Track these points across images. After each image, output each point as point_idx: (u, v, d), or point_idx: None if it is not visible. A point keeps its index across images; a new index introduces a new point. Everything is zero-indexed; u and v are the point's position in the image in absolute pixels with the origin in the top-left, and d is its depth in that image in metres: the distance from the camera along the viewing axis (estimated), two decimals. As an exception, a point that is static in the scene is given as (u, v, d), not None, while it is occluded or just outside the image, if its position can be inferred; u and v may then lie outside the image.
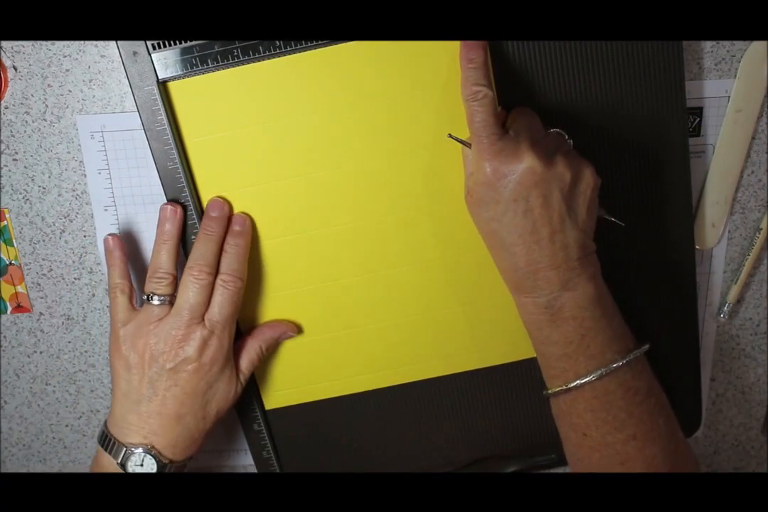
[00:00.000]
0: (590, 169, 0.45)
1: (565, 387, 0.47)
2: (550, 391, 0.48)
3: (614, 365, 0.46)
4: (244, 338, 0.52)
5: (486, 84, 0.45)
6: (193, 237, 0.50)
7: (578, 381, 0.46)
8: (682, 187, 0.53)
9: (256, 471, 0.58)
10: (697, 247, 0.57)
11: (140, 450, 0.48)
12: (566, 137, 0.47)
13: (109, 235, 0.51)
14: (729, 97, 0.54)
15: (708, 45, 0.52)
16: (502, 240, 0.45)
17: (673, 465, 0.47)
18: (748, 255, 0.57)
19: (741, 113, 0.54)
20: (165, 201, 0.49)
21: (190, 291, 0.48)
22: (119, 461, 0.48)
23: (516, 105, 0.50)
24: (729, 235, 0.58)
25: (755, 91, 0.53)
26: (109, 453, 0.49)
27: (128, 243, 0.53)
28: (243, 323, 0.53)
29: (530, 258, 0.45)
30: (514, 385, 0.55)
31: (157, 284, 0.48)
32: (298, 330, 0.53)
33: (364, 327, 0.54)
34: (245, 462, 0.60)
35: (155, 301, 0.48)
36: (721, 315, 0.59)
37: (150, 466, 0.48)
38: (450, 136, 0.47)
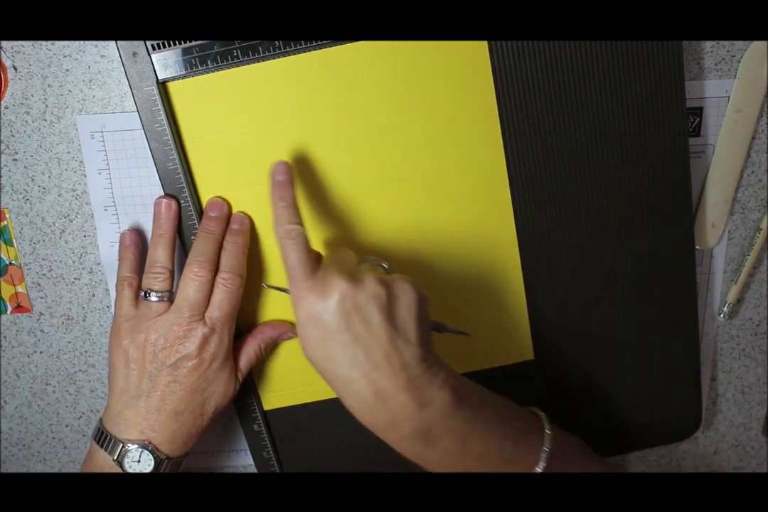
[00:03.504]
0: (408, 284, 0.44)
1: None
2: None
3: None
4: (244, 337, 0.52)
5: (298, 221, 0.45)
6: (192, 237, 0.50)
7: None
8: (682, 187, 0.53)
9: (256, 471, 0.58)
10: (697, 247, 0.57)
11: (137, 446, 0.48)
12: (381, 263, 0.48)
13: (127, 230, 0.52)
14: (729, 97, 0.54)
15: (708, 45, 0.52)
16: (343, 378, 0.43)
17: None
18: (748, 255, 0.57)
19: (741, 113, 0.54)
20: (164, 200, 0.50)
21: (191, 288, 0.48)
22: (116, 458, 0.48)
23: (515, 105, 0.50)
24: (729, 235, 0.58)
25: (755, 91, 0.53)
26: (105, 449, 0.48)
27: (128, 243, 0.54)
28: (243, 322, 0.53)
29: (374, 389, 0.43)
30: (513, 386, 0.55)
31: (153, 279, 0.48)
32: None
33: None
34: (245, 462, 0.60)
35: (153, 298, 0.48)
36: (721, 315, 0.59)
37: (147, 462, 0.48)
38: (266, 285, 0.49)
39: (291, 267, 0.44)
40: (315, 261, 0.45)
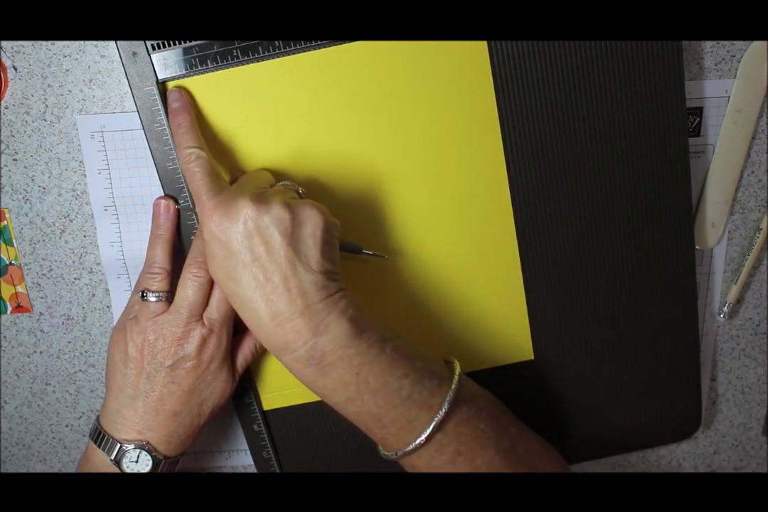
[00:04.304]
0: (315, 209, 0.43)
1: (397, 453, 0.45)
2: (387, 454, 0.46)
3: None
4: (240, 336, 0.52)
5: (196, 145, 0.45)
6: (191, 237, 0.50)
7: (412, 445, 0.44)
8: (682, 187, 0.53)
9: (256, 471, 0.58)
10: (697, 247, 0.57)
11: (135, 446, 0.48)
12: (296, 188, 0.47)
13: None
14: (729, 97, 0.54)
15: (708, 45, 0.52)
16: (243, 298, 0.43)
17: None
18: (748, 255, 0.57)
19: (741, 113, 0.54)
20: (164, 200, 0.50)
21: (189, 289, 0.48)
22: (113, 457, 0.48)
23: (515, 105, 0.50)
24: (729, 235, 0.58)
25: (755, 91, 0.53)
26: (102, 448, 0.48)
27: (128, 243, 0.53)
28: (240, 323, 0.52)
29: (272, 311, 0.43)
30: (512, 386, 0.55)
31: (151, 280, 0.48)
32: None
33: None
34: (245, 462, 0.60)
35: (151, 298, 0.48)
36: (721, 315, 0.59)
37: (145, 462, 0.48)
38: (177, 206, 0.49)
39: (196, 187, 0.44)
40: (221, 182, 0.45)
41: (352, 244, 0.49)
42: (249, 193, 0.43)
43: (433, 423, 0.44)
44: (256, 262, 0.43)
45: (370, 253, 0.50)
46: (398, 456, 0.45)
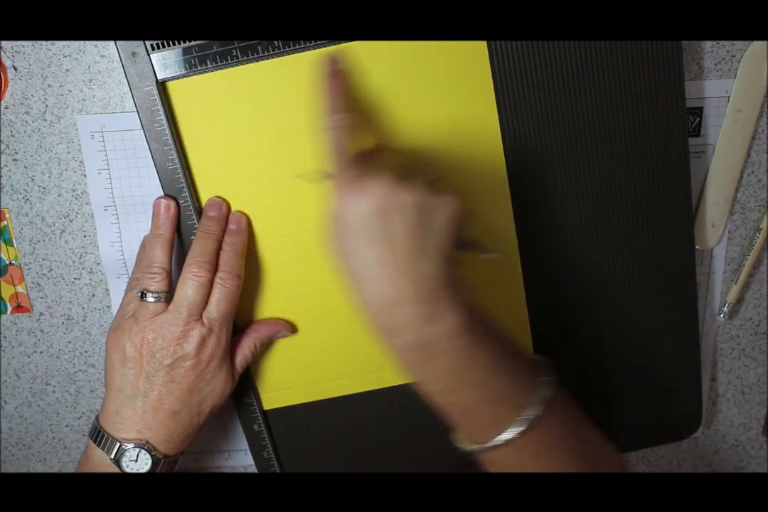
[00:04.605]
0: (450, 197, 0.42)
1: (482, 446, 0.44)
2: (467, 446, 0.45)
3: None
4: (239, 335, 0.52)
5: (349, 110, 0.44)
6: (192, 237, 0.50)
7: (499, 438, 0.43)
8: (682, 187, 0.53)
9: (256, 471, 0.58)
10: (697, 247, 0.57)
11: (134, 445, 0.48)
12: (438, 175, 0.45)
13: (146, 237, 0.52)
14: (729, 97, 0.54)
15: (708, 45, 0.52)
16: (361, 276, 0.42)
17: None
18: (748, 255, 0.57)
19: (741, 113, 0.54)
20: (163, 200, 0.50)
21: (189, 288, 0.48)
22: (113, 457, 0.48)
23: (515, 105, 0.50)
24: (729, 235, 0.58)
25: (755, 91, 0.53)
26: (102, 448, 0.48)
27: (128, 243, 0.54)
28: (239, 321, 0.53)
29: (389, 293, 0.41)
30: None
31: (150, 280, 0.48)
32: (294, 329, 0.53)
33: (363, 328, 0.54)
34: (245, 462, 0.60)
35: (150, 298, 0.48)
36: (721, 315, 0.59)
37: (145, 461, 0.48)
38: (297, 176, 0.47)
39: (338, 154, 0.42)
40: (364, 152, 0.43)
41: (470, 240, 0.46)
42: (392, 169, 0.42)
43: (522, 423, 0.43)
44: (386, 241, 0.41)
45: (487, 256, 0.48)
46: (479, 450, 0.45)
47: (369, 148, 0.45)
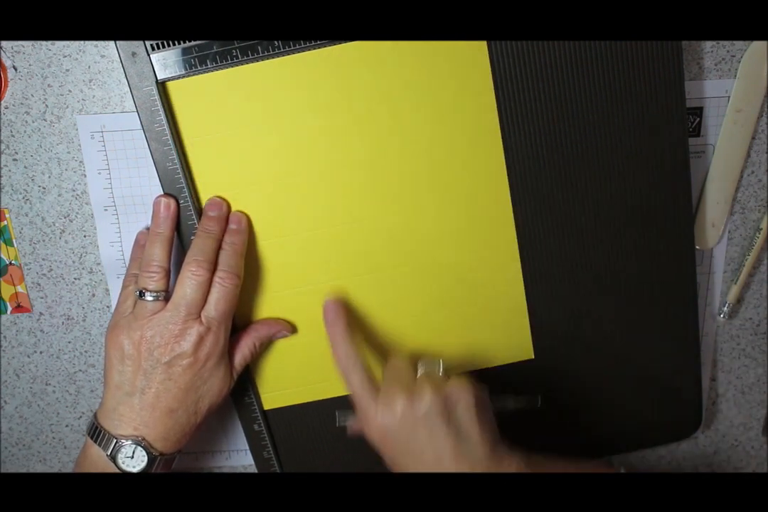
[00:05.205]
0: (464, 386, 0.47)
1: None
2: None
3: None
4: (239, 334, 0.52)
5: (355, 351, 0.49)
6: (192, 236, 0.50)
7: None
8: (682, 187, 0.53)
9: (256, 471, 0.58)
10: (697, 247, 0.57)
11: (131, 442, 0.48)
12: (438, 368, 0.50)
13: (145, 229, 0.53)
14: (729, 97, 0.54)
15: (708, 45, 0.52)
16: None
17: None
18: (748, 255, 0.57)
19: (741, 113, 0.54)
20: (164, 200, 0.50)
21: (188, 287, 0.48)
22: (109, 453, 0.48)
23: (515, 105, 0.50)
24: (729, 235, 0.58)
25: (755, 91, 0.53)
26: (99, 444, 0.48)
27: (128, 243, 0.53)
28: (238, 320, 0.53)
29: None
30: (514, 386, 0.55)
31: (149, 279, 0.48)
32: (293, 329, 0.53)
33: (363, 328, 0.54)
34: (245, 462, 0.60)
35: (148, 298, 0.48)
36: (721, 315, 0.59)
37: (141, 458, 0.48)
38: (339, 424, 0.53)
39: (356, 394, 0.48)
40: (376, 383, 0.49)
41: (501, 402, 0.51)
42: (401, 388, 0.47)
43: None
44: (424, 451, 0.46)
45: (522, 405, 0.52)
46: None
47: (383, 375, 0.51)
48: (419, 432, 0.46)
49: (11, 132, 0.52)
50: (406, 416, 0.46)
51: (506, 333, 0.55)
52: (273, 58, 0.48)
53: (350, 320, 0.52)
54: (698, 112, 0.54)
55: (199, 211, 0.50)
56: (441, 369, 0.50)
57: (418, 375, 0.49)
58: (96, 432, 0.49)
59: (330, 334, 0.51)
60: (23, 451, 0.61)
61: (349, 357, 0.49)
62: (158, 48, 0.47)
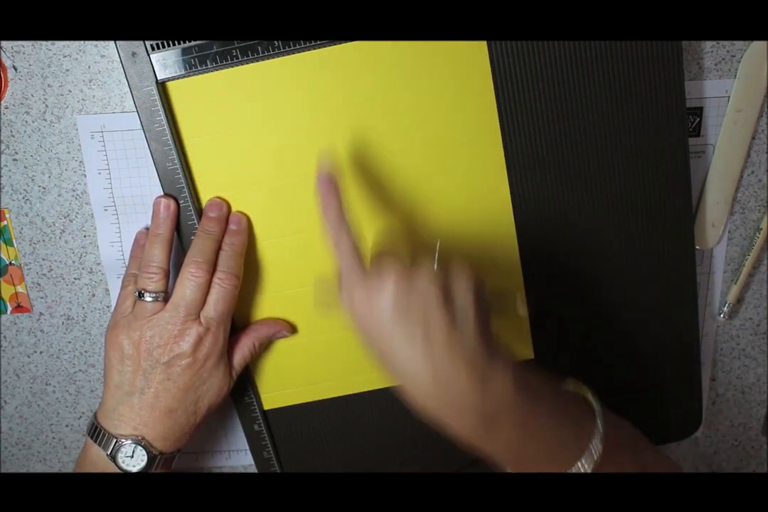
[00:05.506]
0: (460, 269, 0.43)
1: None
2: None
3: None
4: (238, 334, 0.52)
5: (346, 227, 0.44)
6: (192, 237, 0.50)
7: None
8: (682, 187, 0.53)
9: (256, 471, 0.58)
10: (697, 247, 0.57)
11: (130, 441, 0.48)
12: (435, 243, 0.45)
13: (144, 228, 0.53)
14: (729, 97, 0.54)
15: (708, 45, 0.52)
16: (402, 362, 0.42)
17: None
18: (748, 255, 0.57)
19: (741, 113, 0.54)
20: (163, 200, 0.50)
21: (187, 288, 0.48)
22: (109, 452, 0.48)
23: (515, 105, 0.50)
24: (729, 235, 0.58)
25: (755, 91, 0.53)
26: (99, 444, 0.49)
27: (128, 243, 0.53)
28: (238, 320, 0.53)
29: (435, 373, 0.41)
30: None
31: (148, 280, 0.48)
32: (293, 329, 0.53)
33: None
34: (245, 462, 0.60)
35: (147, 298, 0.48)
36: (721, 315, 0.59)
37: (140, 458, 0.48)
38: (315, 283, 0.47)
39: (346, 267, 0.44)
40: (365, 259, 0.44)
41: (498, 298, 0.48)
42: (395, 262, 0.43)
43: (584, 466, 0.43)
44: (415, 324, 0.41)
45: (522, 310, 0.51)
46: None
47: (373, 251, 0.46)
48: (412, 304, 0.41)
49: (11, 132, 0.52)
50: (399, 291, 0.41)
51: (506, 334, 0.55)
52: (273, 58, 0.48)
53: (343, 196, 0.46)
54: (698, 112, 0.54)
55: (199, 212, 0.50)
56: (437, 249, 0.45)
57: (416, 247, 0.46)
58: (96, 432, 0.49)
59: (323, 206, 0.45)
60: (23, 451, 0.61)
61: (340, 228, 0.44)
62: (158, 48, 0.47)
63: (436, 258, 0.44)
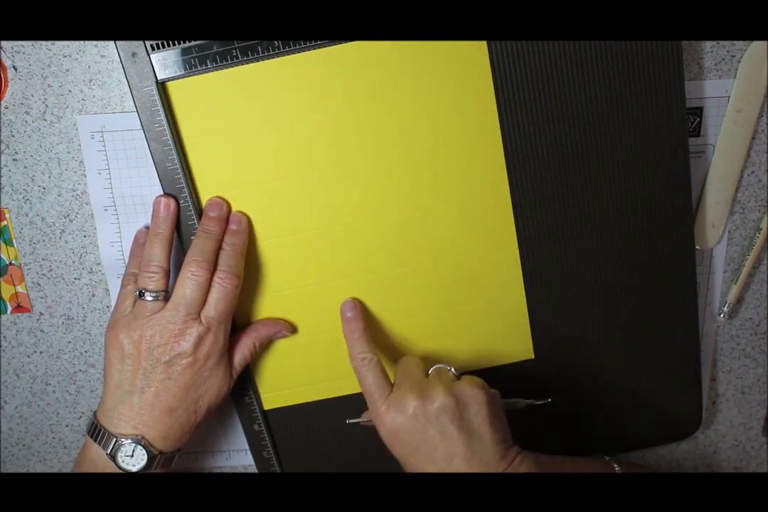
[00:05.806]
0: (475, 388, 0.47)
1: None
2: None
3: None
4: (239, 334, 0.52)
5: (370, 350, 0.50)
6: (192, 237, 0.50)
7: None
8: (682, 187, 0.53)
9: (256, 471, 0.58)
10: (697, 247, 0.57)
11: (130, 440, 0.48)
12: (449, 369, 0.50)
13: (143, 227, 0.53)
14: (729, 97, 0.54)
15: (708, 45, 0.52)
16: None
17: None
18: (748, 255, 0.57)
19: (741, 113, 0.54)
20: (163, 200, 0.50)
21: (188, 287, 0.48)
22: (109, 452, 0.48)
23: (515, 105, 0.50)
24: (729, 235, 0.58)
25: (755, 91, 0.53)
26: (99, 443, 0.48)
27: (128, 243, 0.53)
28: (238, 320, 0.53)
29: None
30: (513, 386, 0.55)
31: (148, 279, 0.48)
32: (293, 329, 0.53)
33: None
34: (245, 462, 0.60)
35: (148, 298, 0.48)
36: (721, 315, 0.59)
37: (140, 457, 0.48)
38: (349, 421, 0.53)
39: (368, 392, 0.49)
40: (389, 383, 0.49)
41: (512, 402, 0.52)
42: (412, 388, 0.48)
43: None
44: (436, 451, 0.46)
45: (536, 402, 0.53)
46: None
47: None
48: (430, 432, 0.46)
49: (11, 132, 0.52)
50: (417, 415, 0.46)
51: (506, 334, 0.55)
52: (273, 58, 0.48)
53: (367, 320, 0.52)
54: (698, 112, 0.54)
55: (199, 211, 0.50)
56: (452, 370, 0.50)
57: (430, 374, 0.50)
58: (96, 431, 0.49)
59: (346, 332, 0.51)
60: (23, 451, 0.61)
61: (364, 356, 0.50)
62: (158, 48, 0.47)
63: (451, 376, 0.49)
